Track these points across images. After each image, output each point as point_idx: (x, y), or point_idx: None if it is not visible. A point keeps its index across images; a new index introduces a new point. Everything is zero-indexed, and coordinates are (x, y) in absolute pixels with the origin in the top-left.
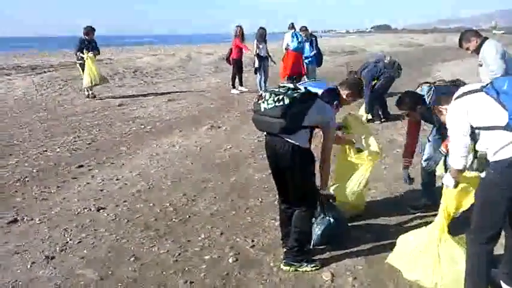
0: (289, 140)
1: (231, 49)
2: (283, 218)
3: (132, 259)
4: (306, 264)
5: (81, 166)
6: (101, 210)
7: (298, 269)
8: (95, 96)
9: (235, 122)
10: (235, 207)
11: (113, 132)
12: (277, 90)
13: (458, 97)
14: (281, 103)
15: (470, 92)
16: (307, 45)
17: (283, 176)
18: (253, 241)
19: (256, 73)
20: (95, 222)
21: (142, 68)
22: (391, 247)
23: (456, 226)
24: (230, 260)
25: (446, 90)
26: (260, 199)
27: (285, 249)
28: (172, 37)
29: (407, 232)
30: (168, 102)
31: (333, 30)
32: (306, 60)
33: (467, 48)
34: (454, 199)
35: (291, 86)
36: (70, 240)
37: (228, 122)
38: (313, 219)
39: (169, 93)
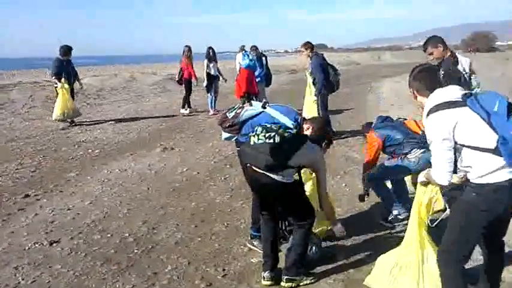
0: (274, 177)
1: (181, 69)
2: (267, 235)
3: None
4: (305, 277)
5: (27, 196)
6: (54, 244)
7: (300, 283)
8: (73, 122)
9: (189, 143)
10: (200, 233)
11: (59, 158)
12: (269, 126)
13: (441, 108)
14: (271, 140)
15: (454, 104)
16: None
17: (272, 204)
18: (224, 270)
19: (208, 92)
20: (48, 258)
21: (84, 89)
22: (366, 267)
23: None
24: None
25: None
26: (225, 224)
27: (285, 265)
28: (115, 58)
29: (379, 249)
30: (115, 124)
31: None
32: (257, 79)
33: (431, 53)
34: (427, 197)
35: (285, 123)
36: (22, 279)
37: (181, 144)
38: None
39: (115, 114)
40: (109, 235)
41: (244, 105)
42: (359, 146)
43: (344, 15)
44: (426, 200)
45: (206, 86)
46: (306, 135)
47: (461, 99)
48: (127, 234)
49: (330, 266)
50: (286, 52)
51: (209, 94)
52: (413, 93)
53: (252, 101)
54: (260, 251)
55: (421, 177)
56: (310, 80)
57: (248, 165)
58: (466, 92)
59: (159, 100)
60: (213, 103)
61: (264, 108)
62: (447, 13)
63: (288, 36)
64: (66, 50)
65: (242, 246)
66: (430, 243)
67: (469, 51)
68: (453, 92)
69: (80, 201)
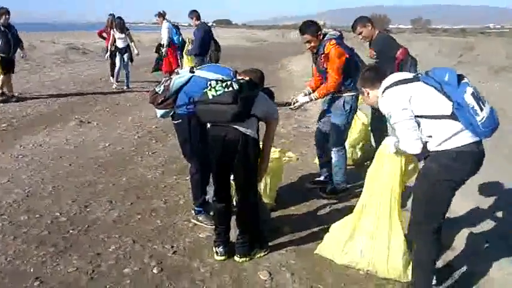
0: (241, 129)
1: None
2: (218, 211)
3: (37, 283)
4: (258, 250)
5: None
6: None
7: (254, 256)
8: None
9: (106, 117)
10: (138, 211)
11: None
12: (220, 78)
13: (394, 84)
14: (230, 88)
15: (408, 80)
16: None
17: (228, 170)
18: (172, 247)
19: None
20: None
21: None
22: (314, 236)
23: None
24: (155, 271)
25: None
26: (163, 200)
27: (238, 242)
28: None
29: (323, 219)
30: (20, 96)
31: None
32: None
33: (361, 33)
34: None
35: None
36: None
37: (97, 117)
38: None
39: (18, 86)
40: (37, 215)
41: (171, 76)
42: (283, 120)
43: None
44: (398, 169)
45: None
46: (257, 83)
47: (413, 77)
48: (58, 214)
49: (279, 238)
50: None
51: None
52: (367, 93)
53: (178, 70)
54: (207, 226)
55: (391, 148)
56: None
57: (209, 125)
58: (418, 73)
59: (64, 71)
60: (118, 73)
61: (193, 72)
62: None
63: (190, 8)
64: (3, 11)
65: (186, 222)
66: (398, 214)
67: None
68: (406, 74)
69: None
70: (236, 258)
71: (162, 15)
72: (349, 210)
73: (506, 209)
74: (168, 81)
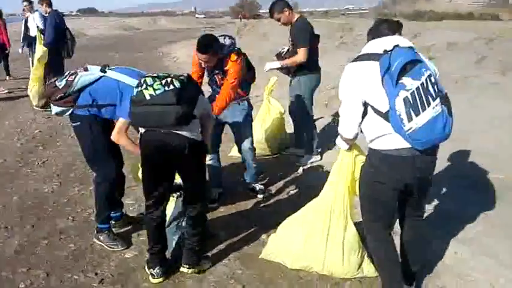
0: (184, 134)
1: None
2: (153, 229)
3: None
4: (205, 262)
5: None
6: None
7: (201, 268)
8: None
9: None
10: (43, 234)
11: None
12: (156, 74)
13: (357, 58)
14: (171, 87)
15: (370, 57)
16: None
17: (167, 179)
18: (97, 274)
19: None
20: None
21: None
22: (256, 241)
23: None
24: None
25: None
26: (70, 218)
27: (187, 250)
28: None
29: (258, 220)
30: None
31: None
32: None
33: (279, 19)
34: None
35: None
36: None
37: None
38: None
39: None
40: None
41: (78, 70)
42: None
43: None
44: (352, 164)
45: None
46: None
47: (381, 53)
48: None
49: (217, 246)
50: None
51: None
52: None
53: (89, 66)
54: (109, 248)
55: (341, 142)
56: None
57: (143, 130)
58: (395, 45)
59: None
60: None
61: (104, 72)
62: None
63: None
64: None
65: (101, 242)
66: (351, 210)
67: (240, 18)
68: (385, 44)
69: None
70: (183, 269)
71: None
72: (287, 207)
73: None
74: (73, 76)
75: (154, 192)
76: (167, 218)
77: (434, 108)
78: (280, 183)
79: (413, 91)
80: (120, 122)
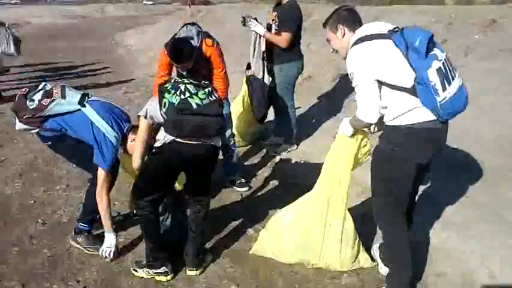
0: (213, 143)
1: None
2: (152, 227)
3: None
4: (206, 256)
5: None
6: None
7: (206, 265)
8: None
9: None
10: (12, 241)
11: None
12: (189, 81)
13: (363, 40)
14: (213, 97)
15: (376, 36)
16: None
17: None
18: (79, 281)
19: None
20: None
21: None
22: (243, 236)
23: None
24: None
25: None
26: (40, 220)
27: (193, 253)
28: None
29: (239, 214)
30: None
31: None
32: None
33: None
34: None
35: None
36: None
37: None
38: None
39: None
40: None
41: (54, 91)
42: None
43: None
44: (353, 151)
45: None
46: None
47: (386, 33)
48: None
49: (206, 244)
50: None
51: None
52: (343, 34)
53: (67, 90)
54: (88, 252)
55: (348, 128)
56: None
57: (174, 140)
58: (394, 27)
59: None
60: None
61: (83, 106)
62: None
63: None
64: None
65: (78, 245)
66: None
67: (188, 5)
68: (381, 26)
69: None
70: (192, 272)
71: None
72: (270, 200)
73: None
74: (47, 101)
75: (155, 194)
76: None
77: (458, 78)
78: (259, 175)
79: (444, 61)
80: (102, 175)
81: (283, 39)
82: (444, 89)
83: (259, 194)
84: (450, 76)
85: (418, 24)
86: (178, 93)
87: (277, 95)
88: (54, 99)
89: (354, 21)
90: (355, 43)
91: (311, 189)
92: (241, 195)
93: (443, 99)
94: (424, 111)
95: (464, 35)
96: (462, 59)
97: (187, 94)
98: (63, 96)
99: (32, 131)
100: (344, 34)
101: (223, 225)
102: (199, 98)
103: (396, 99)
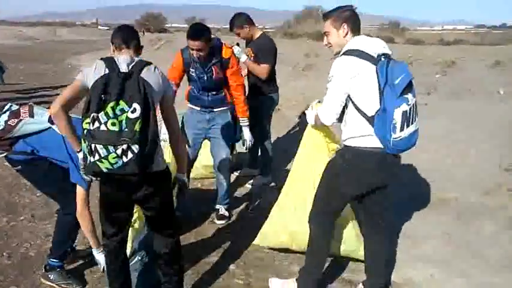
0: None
1: None
2: (119, 268)
3: None
4: None
5: None
6: None
7: None
8: None
9: None
10: None
11: None
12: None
13: (354, 53)
14: (130, 155)
15: (367, 57)
16: None
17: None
18: None
19: None
20: None
21: None
22: (223, 272)
23: None
24: None
25: None
26: (5, 254)
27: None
28: None
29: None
30: None
31: None
32: None
33: (238, 34)
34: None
35: None
36: None
37: None
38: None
39: None
40: None
41: (22, 111)
42: None
43: None
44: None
45: None
46: None
47: (375, 57)
48: None
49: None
50: None
51: None
52: (345, 32)
53: (35, 109)
54: None
55: (310, 118)
56: None
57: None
58: (386, 53)
59: None
60: None
61: (53, 123)
62: None
63: None
64: None
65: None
66: None
67: (142, 32)
68: (374, 46)
69: None
70: None
71: None
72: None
73: None
74: (15, 121)
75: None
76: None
77: (416, 123)
78: (236, 207)
79: (411, 107)
80: (82, 193)
81: (264, 71)
82: (402, 129)
83: (236, 226)
84: (411, 120)
85: None
86: (87, 151)
87: (255, 126)
88: (21, 119)
89: (358, 25)
90: (347, 52)
91: None
92: (218, 227)
93: (398, 137)
94: (375, 139)
95: (424, 75)
96: (425, 98)
97: (97, 157)
98: (31, 115)
99: (0, 155)
100: (346, 34)
101: (202, 261)
102: (109, 162)
103: (355, 121)
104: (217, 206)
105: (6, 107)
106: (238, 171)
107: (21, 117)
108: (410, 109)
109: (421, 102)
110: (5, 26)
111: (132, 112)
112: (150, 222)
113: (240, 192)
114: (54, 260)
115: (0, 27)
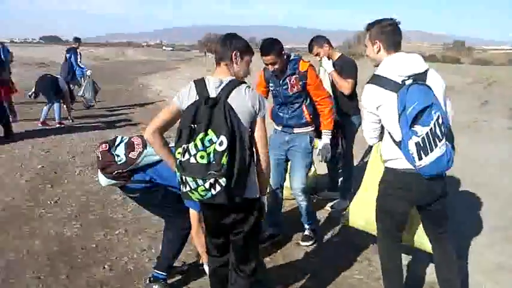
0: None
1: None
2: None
3: None
4: None
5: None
6: None
7: None
8: None
9: None
10: (82, 286)
11: None
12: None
13: (378, 83)
14: (218, 188)
15: (389, 85)
16: None
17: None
18: None
19: None
20: None
21: None
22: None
23: None
24: None
25: None
26: (106, 266)
27: None
28: None
29: None
30: None
31: None
32: None
33: (318, 54)
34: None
35: None
36: None
37: None
38: None
39: None
40: None
41: (135, 143)
42: None
43: (77, 7)
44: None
45: None
46: None
47: (399, 83)
48: None
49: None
50: (13, 42)
51: None
52: (379, 48)
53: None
54: None
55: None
56: None
57: None
58: (416, 73)
59: None
60: None
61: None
62: (182, 14)
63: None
64: None
65: None
66: None
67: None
68: (405, 67)
69: None
70: None
71: None
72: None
73: None
74: (135, 154)
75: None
76: None
77: (440, 148)
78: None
79: (424, 137)
80: (195, 215)
81: (347, 84)
82: (420, 158)
83: (323, 249)
84: (429, 148)
85: (455, 85)
86: (179, 181)
87: (336, 146)
88: (140, 151)
89: (392, 43)
90: (372, 79)
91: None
92: (303, 248)
93: (419, 165)
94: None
95: (507, 98)
96: (509, 122)
97: (188, 188)
98: (145, 146)
99: (119, 185)
100: (379, 51)
101: (293, 286)
102: (200, 194)
103: (389, 144)
104: (306, 227)
105: (118, 140)
106: (318, 194)
107: (138, 149)
108: (423, 138)
109: (504, 126)
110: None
111: (220, 145)
112: (233, 251)
113: (320, 215)
114: (160, 272)
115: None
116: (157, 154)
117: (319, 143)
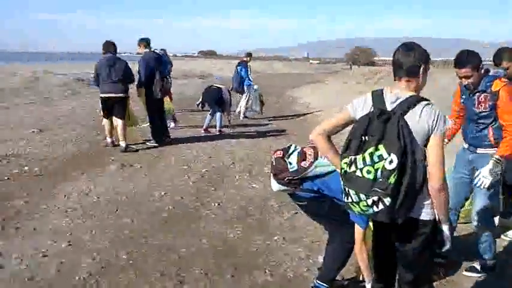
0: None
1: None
2: None
3: None
4: None
5: None
6: None
7: None
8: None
9: (146, 157)
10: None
11: None
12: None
13: None
14: (380, 206)
15: None
16: None
17: None
18: None
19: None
20: None
21: None
22: None
23: None
24: None
25: None
26: (267, 271)
27: None
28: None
29: None
30: (40, 134)
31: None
32: None
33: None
34: None
35: None
36: None
37: (137, 159)
38: None
39: (32, 121)
40: None
41: (307, 153)
42: None
43: (226, 23)
44: None
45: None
46: None
47: None
48: None
49: None
50: (175, 56)
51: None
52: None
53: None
54: None
55: None
56: None
57: None
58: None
59: (75, 104)
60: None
61: None
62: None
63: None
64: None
65: None
66: None
67: (350, 65)
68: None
69: (52, 242)
70: None
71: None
72: None
73: None
74: (306, 164)
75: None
76: None
77: None
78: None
79: None
80: (359, 231)
81: None
82: None
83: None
84: None
85: None
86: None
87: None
88: (312, 162)
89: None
90: None
91: None
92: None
93: None
94: None
95: None
96: None
97: (349, 200)
98: (316, 157)
99: (289, 191)
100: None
101: None
102: (361, 209)
103: None
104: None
105: (292, 148)
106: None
107: (310, 159)
108: None
109: None
110: (231, 59)
111: (390, 163)
112: (399, 272)
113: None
114: (323, 284)
115: (224, 61)
116: (322, 154)
117: (481, 168)
